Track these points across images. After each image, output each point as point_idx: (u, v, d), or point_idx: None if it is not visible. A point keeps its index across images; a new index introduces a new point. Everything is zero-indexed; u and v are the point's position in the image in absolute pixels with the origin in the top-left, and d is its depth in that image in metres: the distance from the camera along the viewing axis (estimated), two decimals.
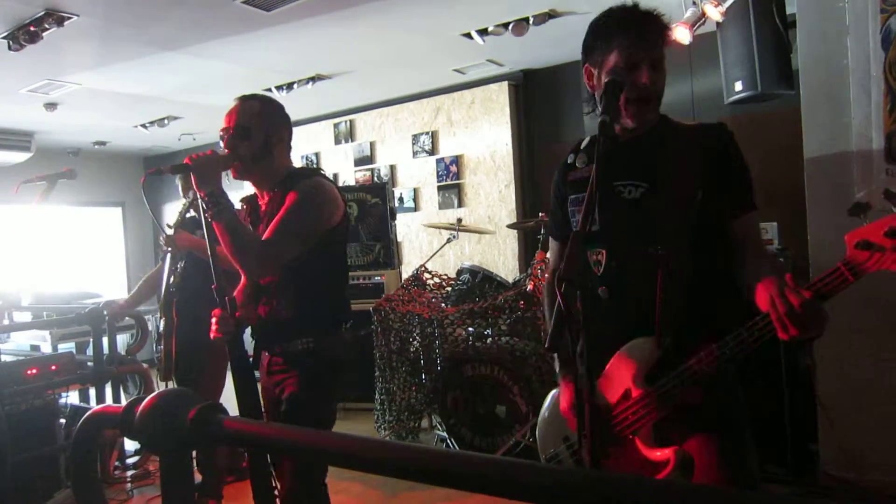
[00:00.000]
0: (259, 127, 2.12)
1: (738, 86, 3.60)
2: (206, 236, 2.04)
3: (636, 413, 1.57)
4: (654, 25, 1.59)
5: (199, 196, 1.97)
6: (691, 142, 1.63)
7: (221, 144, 2.14)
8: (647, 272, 1.57)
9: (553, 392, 1.88)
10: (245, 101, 2.16)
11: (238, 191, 3.05)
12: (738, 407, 1.63)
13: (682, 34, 3.77)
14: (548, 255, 2.12)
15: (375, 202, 5.43)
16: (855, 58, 3.05)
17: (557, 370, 1.80)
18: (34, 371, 3.69)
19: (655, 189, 1.60)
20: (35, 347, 5.87)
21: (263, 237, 2.03)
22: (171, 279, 3.10)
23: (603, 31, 1.62)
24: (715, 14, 3.61)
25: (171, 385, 3.42)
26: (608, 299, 1.65)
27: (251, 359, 2.22)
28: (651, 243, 1.58)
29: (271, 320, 2.14)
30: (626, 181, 1.64)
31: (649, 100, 1.60)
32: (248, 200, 2.30)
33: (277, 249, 2.01)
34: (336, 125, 7.32)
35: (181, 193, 3.39)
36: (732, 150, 1.62)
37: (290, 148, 2.27)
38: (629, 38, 1.57)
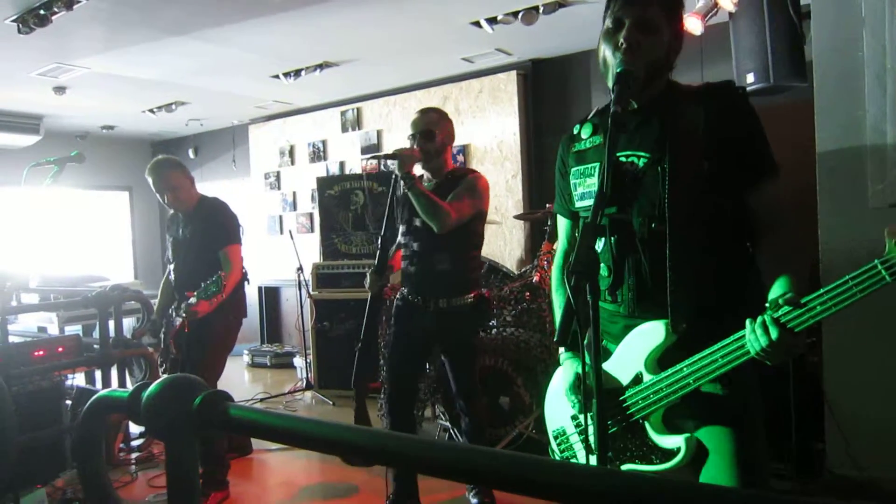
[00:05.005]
0: (439, 130, 2.97)
1: (750, 77, 3.56)
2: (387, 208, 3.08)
3: (646, 398, 1.52)
4: None
5: (397, 175, 2.84)
6: (697, 106, 1.51)
7: (409, 143, 2.97)
8: (650, 249, 1.50)
9: (560, 369, 1.82)
10: (426, 112, 3.04)
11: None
12: (756, 400, 1.56)
13: (693, 25, 3.74)
14: (555, 246, 2.05)
15: (382, 190, 5.42)
16: (870, 50, 3.01)
17: (561, 352, 1.75)
18: (41, 353, 3.71)
19: (660, 160, 1.49)
20: (42, 329, 5.92)
21: (448, 202, 2.83)
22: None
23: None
24: (727, 4, 3.57)
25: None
26: (607, 276, 1.58)
27: (418, 305, 3.01)
28: (655, 218, 1.49)
29: (435, 272, 2.94)
30: (629, 152, 1.55)
31: (630, 78, 1.44)
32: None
33: (459, 210, 2.84)
34: (343, 113, 7.30)
35: (154, 189, 3.45)
36: (741, 110, 1.51)
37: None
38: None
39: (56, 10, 4.04)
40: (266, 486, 3.84)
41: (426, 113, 3.03)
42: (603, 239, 1.57)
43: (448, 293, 2.96)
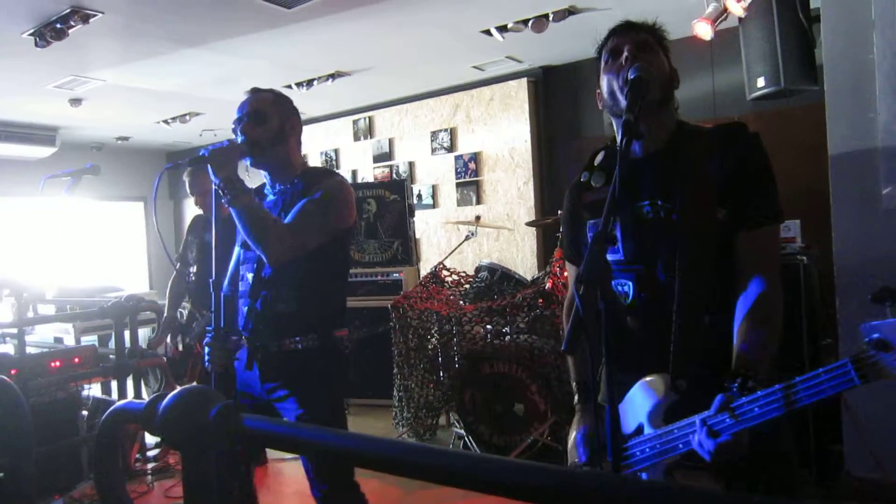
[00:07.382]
0: (274, 113, 2.17)
1: (761, 81, 3.55)
2: (213, 236, 1.95)
3: (643, 451, 1.42)
4: (643, 24, 1.53)
5: (215, 185, 1.95)
6: (709, 150, 1.46)
7: (235, 135, 2.15)
8: (671, 302, 1.43)
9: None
10: (257, 91, 2.22)
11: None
12: (786, 467, 1.47)
13: (703, 30, 3.73)
14: (567, 273, 1.91)
15: (394, 199, 5.44)
16: (881, 52, 2.99)
17: (576, 401, 1.68)
18: (58, 363, 3.75)
19: (677, 208, 1.44)
20: (59, 340, 5.97)
21: (286, 221, 2.03)
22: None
23: (599, 47, 1.57)
24: (737, 9, 3.56)
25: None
26: (639, 330, 1.52)
27: (244, 359, 2.08)
28: (673, 271, 1.44)
29: (270, 314, 2.08)
30: (647, 201, 1.49)
31: (644, 84, 1.39)
32: (257, 191, 2.29)
33: (300, 235, 2.01)
34: (355, 122, 7.34)
35: (188, 192, 3.60)
36: (752, 153, 1.45)
37: (301, 143, 2.34)
38: (614, 33, 1.52)
39: (72, 23, 4.11)
40: (281, 496, 3.85)
41: (258, 92, 2.21)
42: (631, 294, 1.52)
43: (280, 336, 2.08)
